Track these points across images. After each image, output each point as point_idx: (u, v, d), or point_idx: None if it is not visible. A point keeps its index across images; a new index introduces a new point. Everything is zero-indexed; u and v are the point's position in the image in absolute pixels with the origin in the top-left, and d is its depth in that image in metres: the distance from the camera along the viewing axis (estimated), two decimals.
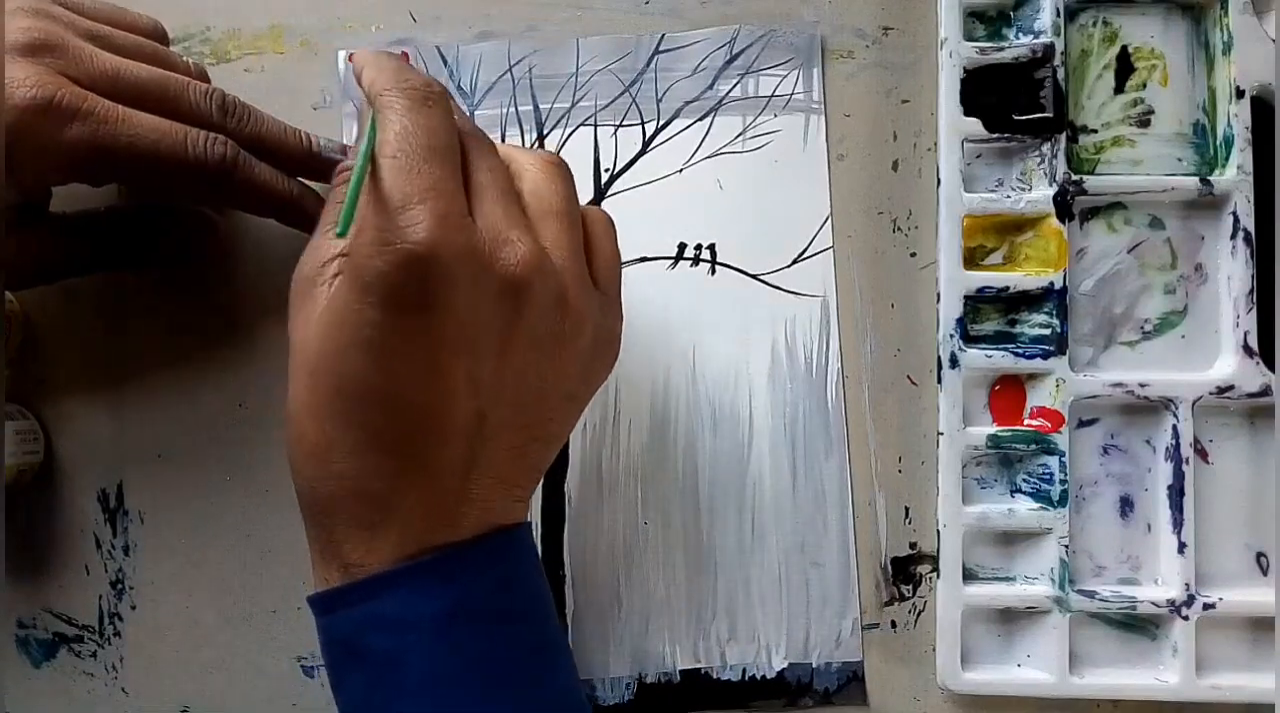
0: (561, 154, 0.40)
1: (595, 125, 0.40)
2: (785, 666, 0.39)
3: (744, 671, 0.39)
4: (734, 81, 0.40)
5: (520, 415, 0.30)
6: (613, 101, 0.40)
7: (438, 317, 0.27)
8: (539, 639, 0.30)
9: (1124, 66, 0.39)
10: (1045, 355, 0.38)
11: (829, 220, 0.40)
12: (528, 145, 0.40)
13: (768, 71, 0.40)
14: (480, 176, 0.29)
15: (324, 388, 0.28)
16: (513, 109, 0.40)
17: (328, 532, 0.28)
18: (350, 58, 0.30)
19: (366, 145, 0.27)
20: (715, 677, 0.39)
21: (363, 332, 0.27)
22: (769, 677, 0.39)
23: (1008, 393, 0.38)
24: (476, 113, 0.40)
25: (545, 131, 0.40)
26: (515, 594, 0.30)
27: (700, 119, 0.40)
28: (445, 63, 0.40)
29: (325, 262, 0.28)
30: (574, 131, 0.40)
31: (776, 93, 0.40)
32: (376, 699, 0.28)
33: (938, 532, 0.38)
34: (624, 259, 0.39)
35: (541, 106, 0.40)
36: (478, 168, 0.29)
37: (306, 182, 0.36)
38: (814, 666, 0.39)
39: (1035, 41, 0.38)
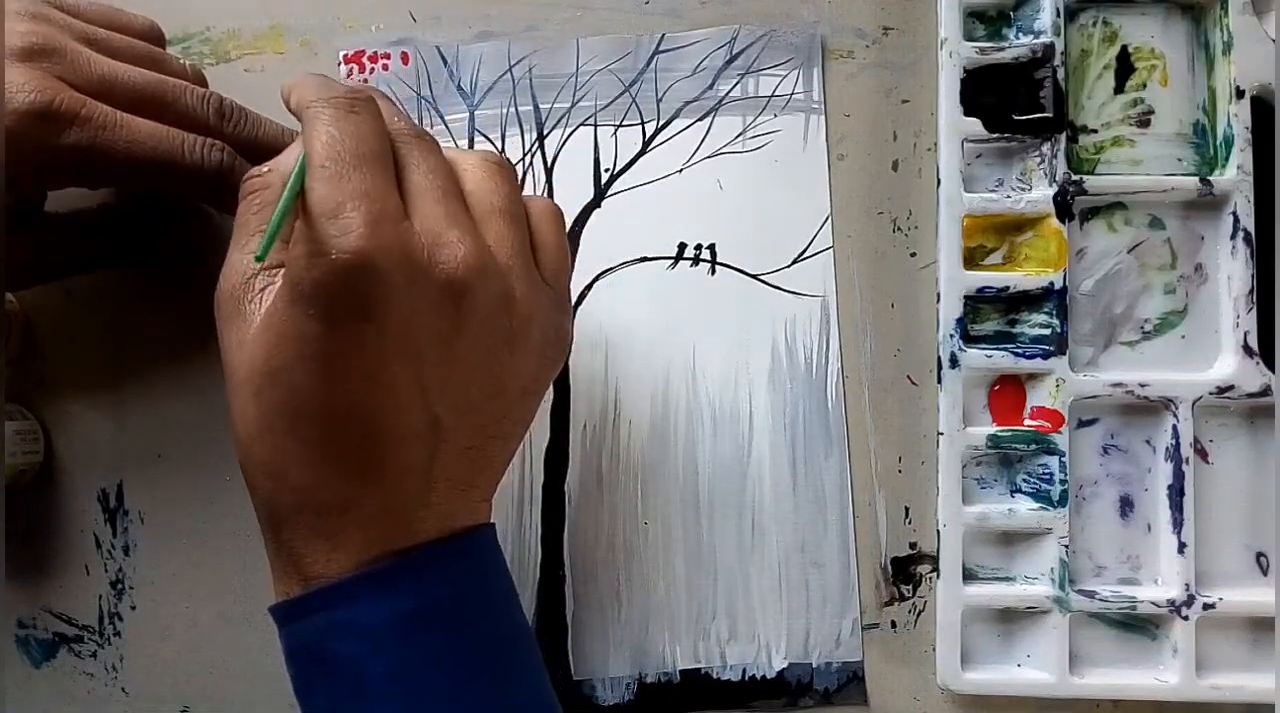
0: (562, 154, 0.40)
1: (595, 125, 0.40)
2: (785, 666, 0.39)
3: (744, 671, 0.39)
4: (734, 81, 0.40)
5: (474, 417, 0.29)
6: (613, 101, 0.40)
7: (379, 324, 0.26)
8: (504, 640, 0.30)
9: (1124, 66, 0.39)
10: (1045, 355, 0.38)
11: (829, 220, 0.40)
12: (528, 145, 0.40)
13: (768, 71, 0.40)
14: (418, 178, 0.28)
15: (271, 405, 0.27)
16: (513, 109, 0.40)
17: (287, 545, 0.28)
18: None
19: (298, 170, 0.27)
20: (715, 677, 0.39)
21: (304, 345, 0.26)
22: (769, 677, 0.39)
23: (1007, 393, 0.38)
24: (476, 113, 0.40)
25: (545, 132, 0.40)
26: (478, 596, 0.29)
27: (700, 119, 0.40)
28: (445, 63, 0.40)
29: (249, 277, 0.28)
30: (574, 132, 0.40)
31: (776, 93, 0.40)
32: (342, 707, 0.27)
33: (938, 532, 0.38)
34: (624, 259, 0.39)
35: (541, 106, 0.40)
36: (416, 169, 0.29)
37: None
38: (814, 666, 0.39)
39: (1035, 41, 0.38)
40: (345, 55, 0.40)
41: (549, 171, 0.40)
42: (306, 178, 0.26)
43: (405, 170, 0.29)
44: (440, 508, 0.29)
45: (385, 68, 0.40)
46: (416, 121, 0.40)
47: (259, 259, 0.25)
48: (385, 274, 0.26)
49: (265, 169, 0.29)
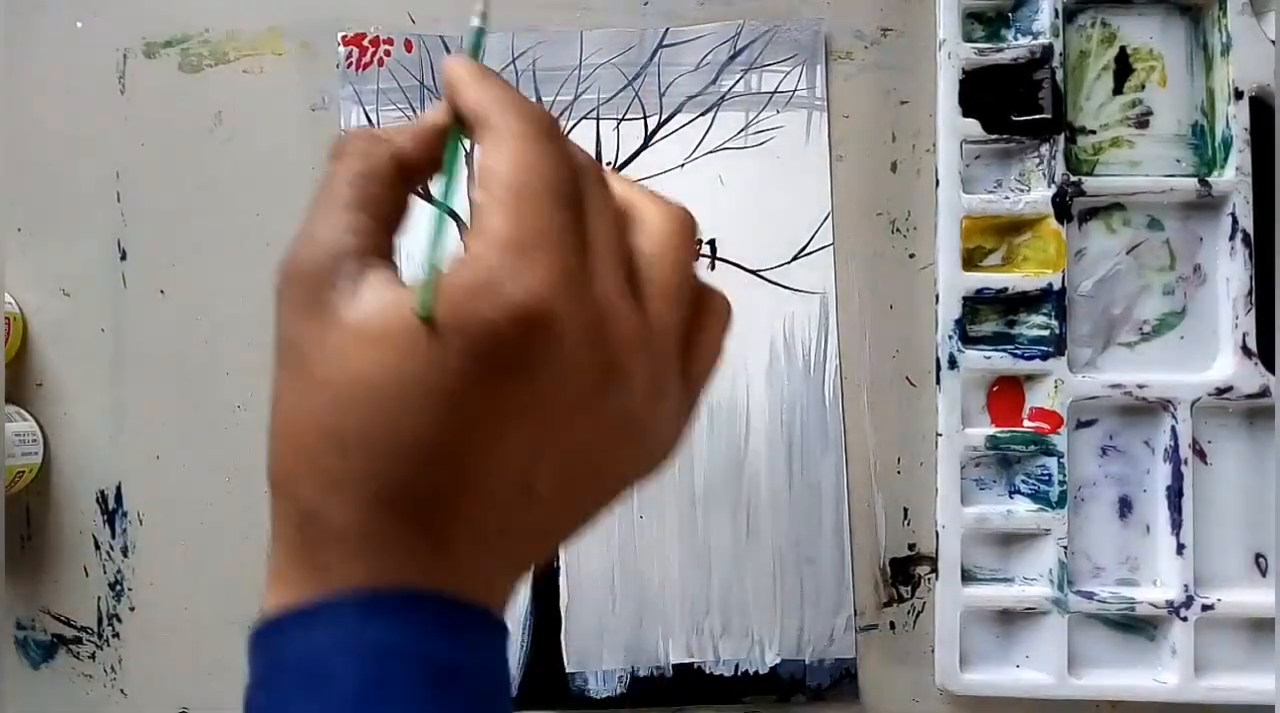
0: None
1: (598, 119, 0.40)
2: (778, 661, 0.39)
3: (737, 666, 0.39)
4: (737, 77, 0.40)
5: (559, 499, 0.25)
6: (615, 95, 0.40)
7: (529, 381, 0.22)
8: None
9: (1122, 67, 0.39)
10: (1044, 356, 0.38)
11: (830, 217, 0.40)
12: None
13: (771, 67, 0.40)
14: (599, 228, 0.24)
15: (351, 420, 0.23)
16: None
17: (310, 546, 0.23)
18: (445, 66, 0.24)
19: (450, 175, 0.24)
20: (708, 671, 0.39)
21: (431, 374, 0.22)
22: (761, 672, 0.39)
23: (1006, 394, 0.38)
24: None
25: None
26: (495, 677, 0.24)
27: (703, 114, 0.40)
28: (449, 52, 0.40)
29: (338, 258, 0.23)
30: (576, 125, 0.40)
31: (779, 89, 0.40)
32: None
33: (936, 533, 0.38)
34: None
35: (544, 99, 0.40)
36: (597, 216, 0.24)
37: None
38: (807, 662, 0.39)
39: (1034, 43, 0.38)
40: (344, 37, 0.40)
41: None
42: (489, 198, 0.22)
43: (585, 217, 0.24)
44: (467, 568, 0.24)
45: (388, 53, 0.40)
46: (418, 112, 0.39)
47: (425, 319, 0.21)
48: (560, 336, 0.22)
49: (374, 135, 0.25)
